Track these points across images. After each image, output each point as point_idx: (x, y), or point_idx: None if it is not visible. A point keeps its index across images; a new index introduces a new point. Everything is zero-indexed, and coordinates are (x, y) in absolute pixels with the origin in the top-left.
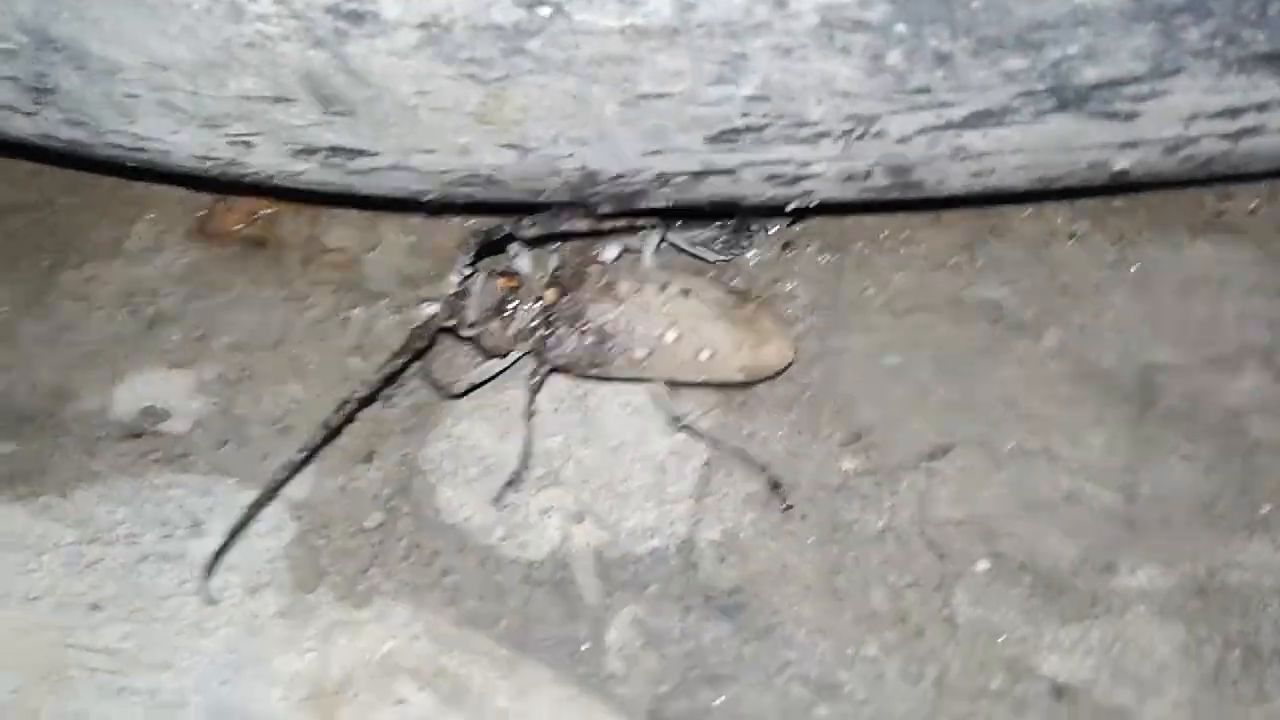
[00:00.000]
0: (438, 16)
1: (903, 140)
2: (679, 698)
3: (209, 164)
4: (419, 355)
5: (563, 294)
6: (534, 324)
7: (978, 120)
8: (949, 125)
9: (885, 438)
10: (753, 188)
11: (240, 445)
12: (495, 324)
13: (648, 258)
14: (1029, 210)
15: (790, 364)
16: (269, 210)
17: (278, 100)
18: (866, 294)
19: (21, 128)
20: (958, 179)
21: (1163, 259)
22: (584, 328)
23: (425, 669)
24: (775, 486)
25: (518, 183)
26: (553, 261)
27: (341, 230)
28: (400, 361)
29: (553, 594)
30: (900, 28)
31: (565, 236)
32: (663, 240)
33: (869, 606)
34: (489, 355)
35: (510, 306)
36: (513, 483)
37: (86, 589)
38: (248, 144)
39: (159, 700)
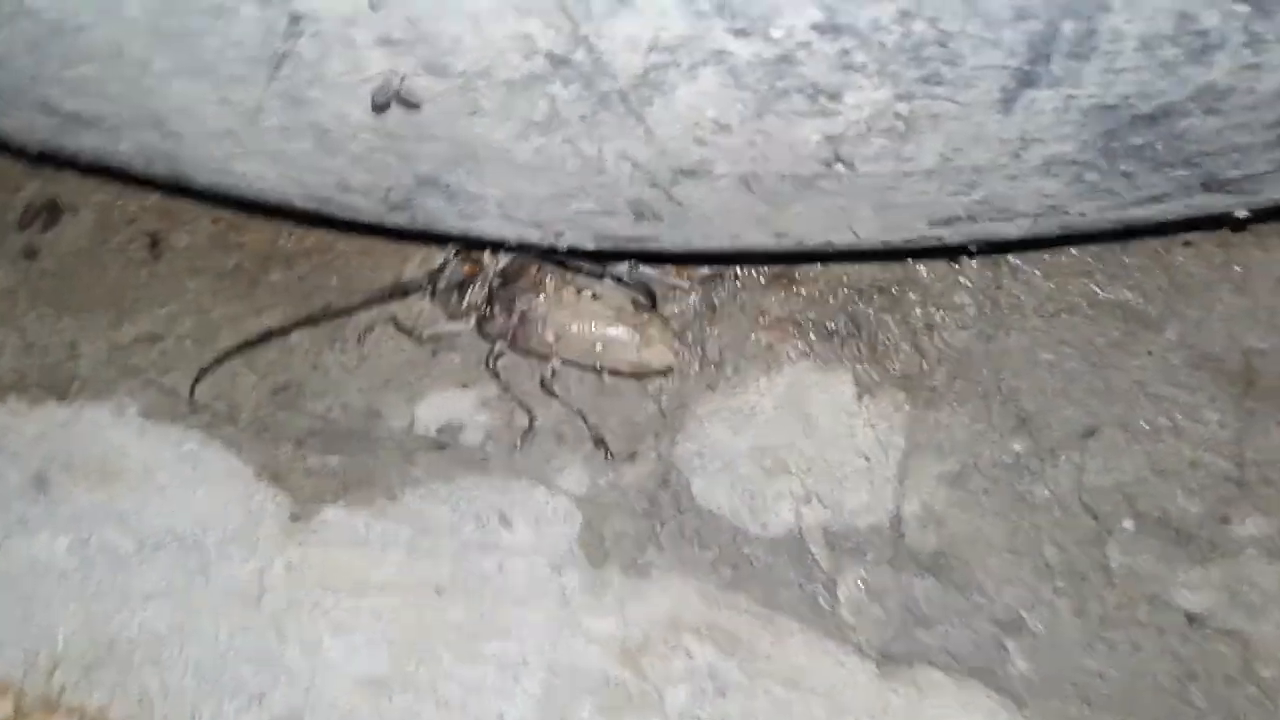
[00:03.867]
0: (755, 171)
1: (1082, 214)
2: (901, 639)
3: (518, 243)
4: (393, 299)
5: (504, 283)
6: (479, 302)
7: (1145, 202)
8: (1122, 205)
9: (1044, 422)
10: (946, 243)
11: (525, 451)
12: (454, 296)
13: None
14: None
15: (670, 368)
16: None
17: (602, 214)
18: (1020, 300)
19: (351, 214)
20: (1113, 226)
21: (1260, 259)
22: (512, 310)
23: (702, 625)
24: (599, 442)
25: (765, 252)
26: (505, 260)
27: None
28: (377, 298)
29: (792, 562)
30: (1101, 163)
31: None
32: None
33: (1043, 559)
34: (449, 318)
35: (468, 286)
36: (530, 430)
37: (428, 575)
38: (560, 234)
39: (506, 661)
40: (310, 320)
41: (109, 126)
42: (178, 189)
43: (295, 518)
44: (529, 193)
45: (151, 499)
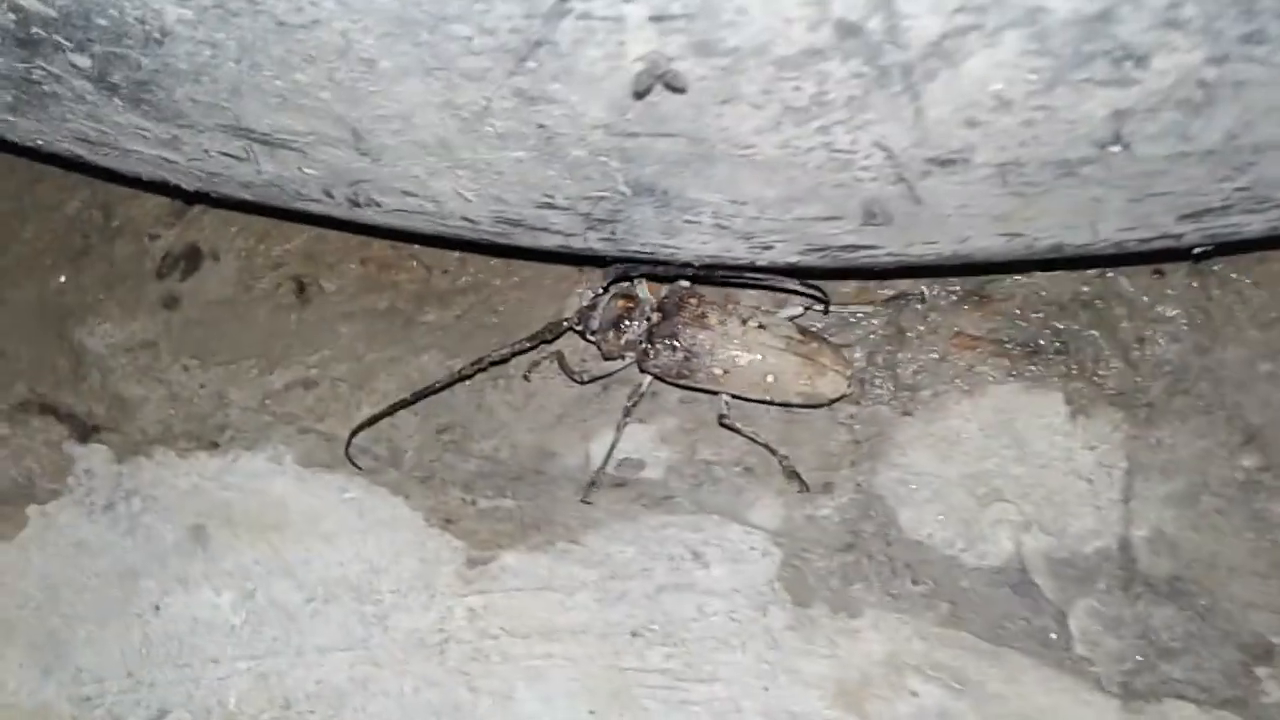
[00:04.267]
0: (1017, 158)
1: None
2: (1143, 672)
3: (713, 261)
4: (547, 342)
5: (665, 318)
6: (639, 338)
7: None
8: None
9: (1275, 436)
10: (1177, 243)
11: (712, 485)
12: (612, 334)
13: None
14: None
15: (844, 395)
16: None
17: (827, 219)
18: (1233, 310)
19: (538, 238)
20: None
21: None
22: (676, 345)
23: (925, 665)
24: (792, 474)
25: (985, 259)
26: (661, 292)
27: None
28: (530, 343)
29: (1014, 594)
30: None
31: (694, 279)
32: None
33: None
34: (606, 357)
35: (625, 322)
36: (595, 483)
37: (622, 619)
38: (768, 247)
39: (717, 709)
40: (464, 376)
41: (299, 146)
42: (339, 222)
43: (472, 563)
44: (754, 196)
45: (318, 549)
